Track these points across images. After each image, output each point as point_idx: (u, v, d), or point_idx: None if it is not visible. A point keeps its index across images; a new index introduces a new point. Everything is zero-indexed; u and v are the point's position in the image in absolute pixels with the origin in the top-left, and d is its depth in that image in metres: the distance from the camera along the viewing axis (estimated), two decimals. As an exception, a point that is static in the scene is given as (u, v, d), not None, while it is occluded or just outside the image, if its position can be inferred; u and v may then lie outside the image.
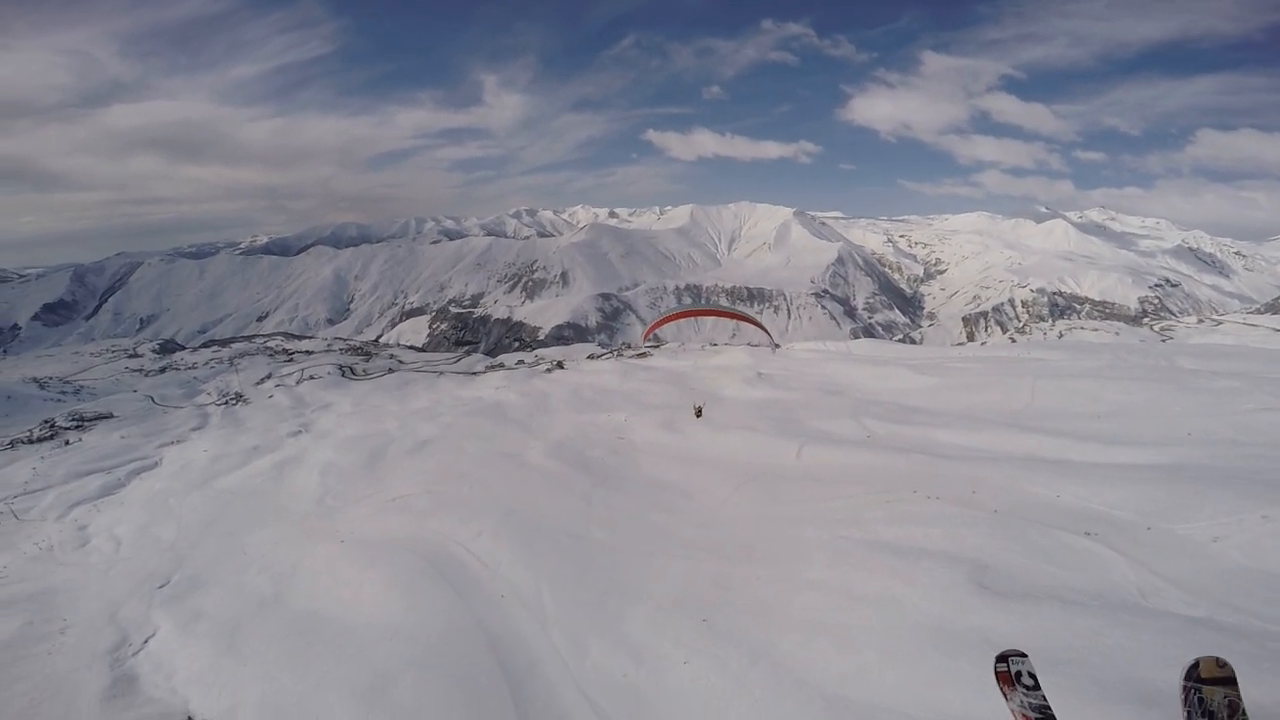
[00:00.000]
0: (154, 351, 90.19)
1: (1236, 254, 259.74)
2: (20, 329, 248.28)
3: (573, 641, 11.24)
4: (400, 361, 68.27)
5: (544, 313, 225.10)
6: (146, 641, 13.54)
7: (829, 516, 14.25)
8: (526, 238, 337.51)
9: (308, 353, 75.32)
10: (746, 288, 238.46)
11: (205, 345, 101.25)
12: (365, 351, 76.97)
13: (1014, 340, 77.42)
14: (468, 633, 11.71)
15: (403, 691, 10.32)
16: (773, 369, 37.46)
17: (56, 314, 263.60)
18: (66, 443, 37.29)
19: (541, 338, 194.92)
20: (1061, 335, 75.22)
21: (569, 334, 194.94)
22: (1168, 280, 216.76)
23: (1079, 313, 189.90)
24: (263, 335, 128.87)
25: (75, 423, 41.60)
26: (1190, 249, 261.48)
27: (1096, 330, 74.62)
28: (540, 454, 23.52)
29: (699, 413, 21.04)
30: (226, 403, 47.94)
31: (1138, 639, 7.86)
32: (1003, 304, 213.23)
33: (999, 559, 10.74)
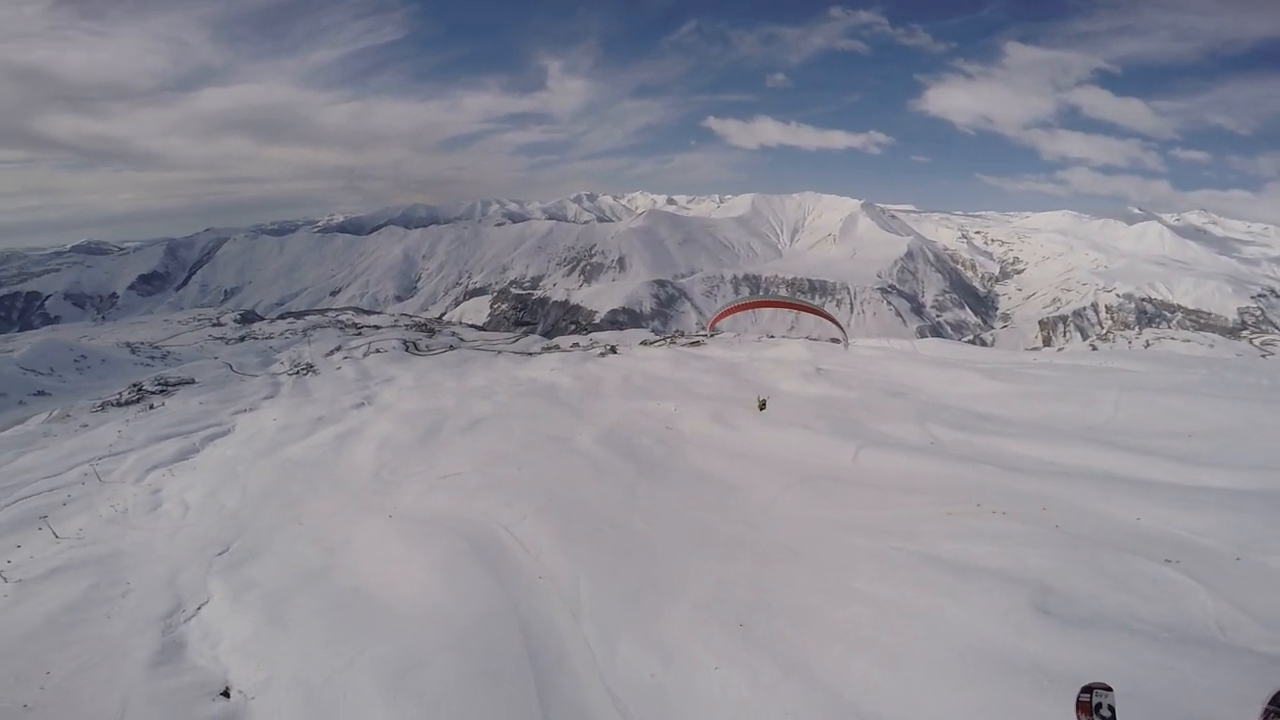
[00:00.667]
0: (235, 321, 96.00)
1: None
2: (118, 297, 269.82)
3: (604, 635, 11.06)
4: (461, 339, 70.09)
5: (600, 297, 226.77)
6: (199, 609, 13.97)
7: (883, 525, 13.54)
8: (586, 222, 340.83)
9: (375, 327, 78.37)
10: (808, 279, 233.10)
11: (282, 317, 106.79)
12: (429, 328, 79.43)
13: (1095, 348, 72.89)
14: (502, 619, 11.68)
15: (430, 676, 10.33)
16: (832, 365, 36.27)
17: (150, 284, 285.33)
18: (151, 407, 39.77)
19: (597, 321, 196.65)
20: (1149, 345, 70.48)
21: (623, 319, 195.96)
22: (1273, 290, 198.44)
23: (1169, 321, 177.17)
24: (335, 309, 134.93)
25: (160, 387, 44.43)
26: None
27: (1188, 341, 69.50)
28: (589, 439, 23.44)
29: (763, 405, 20.69)
30: (297, 373, 50.28)
31: (1209, 675, 7.21)
32: (1084, 308, 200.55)
33: (1065, 583, 9.97)
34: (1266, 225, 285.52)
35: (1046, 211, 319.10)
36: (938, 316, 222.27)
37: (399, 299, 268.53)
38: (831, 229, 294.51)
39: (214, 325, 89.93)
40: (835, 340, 54.15)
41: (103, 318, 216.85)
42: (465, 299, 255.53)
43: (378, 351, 57.99)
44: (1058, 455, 17.30)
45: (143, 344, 69.13)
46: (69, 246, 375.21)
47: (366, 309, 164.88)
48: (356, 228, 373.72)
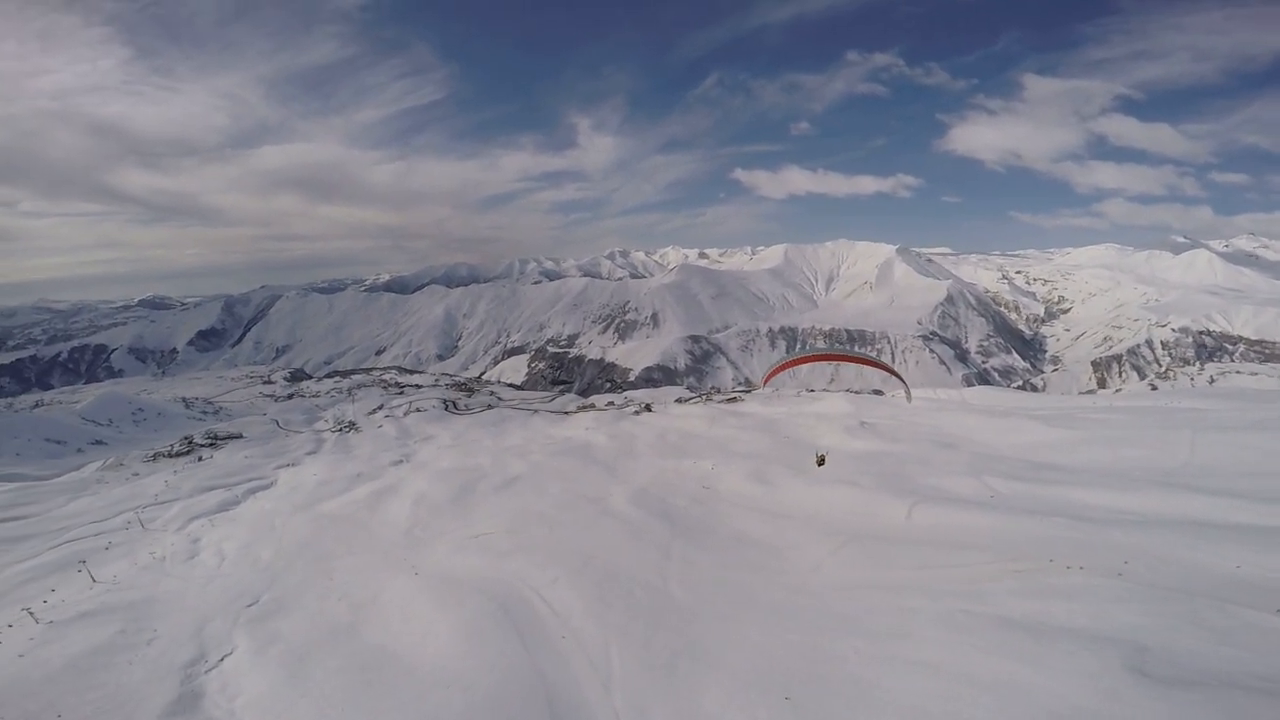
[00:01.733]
0: (285, 379, 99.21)
1: None
2: (178, 352, 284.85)
3: (636, 708, 10.26)
4: (499, 399, 70.59)
5: (634, 354, 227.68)
6: (222, 660, 13.64)
7: (944, 587, 12.54)
8: (619, 279, 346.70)
9: (417, 386, 79.76)
10: (846, 330, 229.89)
11: (329, 376, 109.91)
12: (468, 388, 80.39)
13: (1155, 387, 69.34)
14: (527, 687, 11.00)
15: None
16: (877, 418, 34.99)
17: (208, 340, 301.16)
18: (199, 459, 40.73)
19: (632, 379, 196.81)
20: (1213, 380, 66.68)
21: (658, 376, 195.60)
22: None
23: (1232, 354, 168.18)
24: (379, 368, 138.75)
25: (210, 440, 45.63)
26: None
27: (1256, 374, 65.54)
28: (622, 500, 22.82)
29: (822, 461, 20.41)
30: (340, 430, 51.05)
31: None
32: (1138, 346, 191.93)
33: (1162, 640, 9.06)
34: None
35: (1087, 246, 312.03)
36: (984, 363, 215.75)
37: (440, 358, 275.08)
38: (867, 276, 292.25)
39: (264, 383, 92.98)
40: (878, 392, 52.63)
41: (163, 372, 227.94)
42: (504, 358, 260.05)
43: (418, 410, 58.68)
44: (1133, 503, 16.16)
45: (197, 399, 71.75)
46: (135, 300, 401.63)
47: (409, 368, 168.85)
48: (401, 286, 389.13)
